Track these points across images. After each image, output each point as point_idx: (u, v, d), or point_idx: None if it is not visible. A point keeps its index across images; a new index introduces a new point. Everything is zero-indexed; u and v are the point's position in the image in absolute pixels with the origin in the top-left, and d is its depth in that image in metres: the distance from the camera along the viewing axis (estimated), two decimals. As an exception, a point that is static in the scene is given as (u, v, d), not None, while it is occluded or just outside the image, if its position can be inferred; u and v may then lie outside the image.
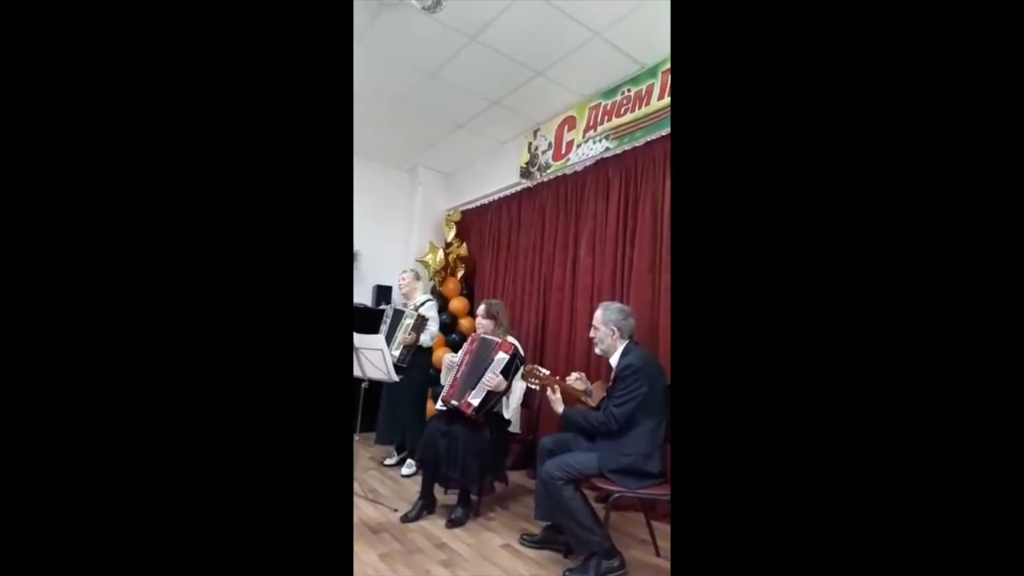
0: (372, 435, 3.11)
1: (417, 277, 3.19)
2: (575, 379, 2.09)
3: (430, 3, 2.05)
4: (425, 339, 2.91)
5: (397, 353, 2.79)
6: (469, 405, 2.18)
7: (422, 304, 2.99)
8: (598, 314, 1.97)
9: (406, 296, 3.12)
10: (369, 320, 3.29)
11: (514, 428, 2.40)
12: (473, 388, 2.20)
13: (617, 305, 2.00)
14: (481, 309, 2.54)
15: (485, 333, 2.44)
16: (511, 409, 2.29)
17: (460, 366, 2.35)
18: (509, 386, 2.22)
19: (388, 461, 3.05)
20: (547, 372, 2.04)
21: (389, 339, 2.84)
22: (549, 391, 1.95)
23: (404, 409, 2.88)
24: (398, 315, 2.93)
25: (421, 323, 2.86)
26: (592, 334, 1.99)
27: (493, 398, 2.21)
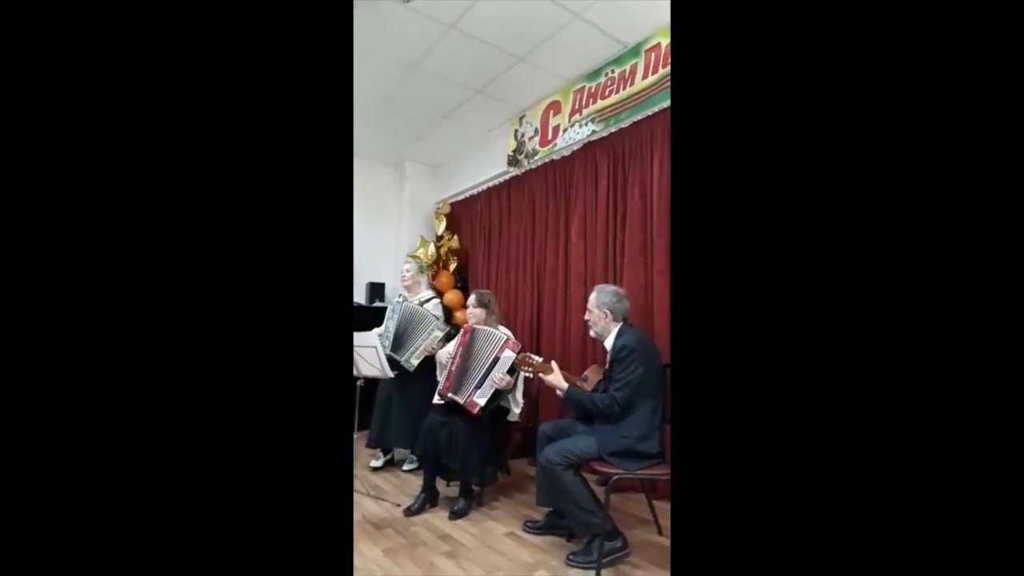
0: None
1: (421, 270, 3.07)
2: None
3: (404, -9, 2.01)
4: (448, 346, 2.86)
5: (416, 362, 2.67)
6: (475, 404, 2.16)
7: (427, 301, 2.93)
8: (592, 297, 1.96)
9: (408, 290, 2.98)
10: (363, 318, 3.27)
11: (513, 416, 2.40)
12: (479, 387, 2.18)
13: (611, 288, 1.99)
14: (472, 299, 2.52)
15: (477, 323, 2.42)
16: (518, 403, 2.29)
17: (454, 359, 2.34)
18: (515, 383, 2.22)
19: (374, 463, 2.89)
20: (540, 359, 2.04)
21: (407, 340, 2.72)
22: (544, 375, 1.95)
23: (416, 409, 2.73)
24: (420, 319, 2.75)
25: (448, 336, 2.74)
26: (586, 317, 1.99)
27: (499, 396, 2.20)
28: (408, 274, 3.00)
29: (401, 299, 2.90)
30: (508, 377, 2.15)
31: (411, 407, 2.75)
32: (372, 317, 3.17)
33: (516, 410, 2.31)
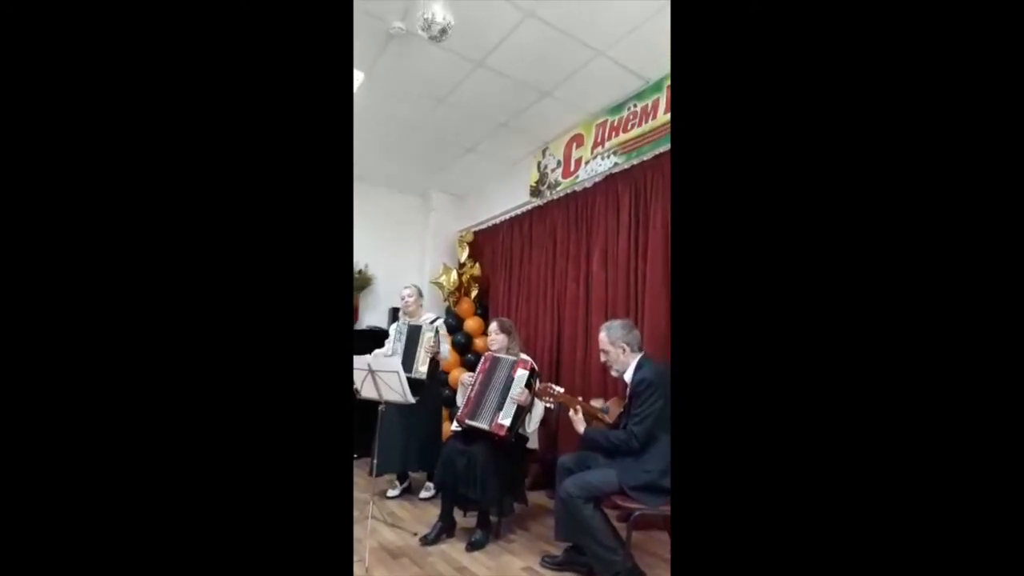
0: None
1: (420, 294, 3.07)
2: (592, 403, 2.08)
3: (436, 32, 2.11)
4: (444, 350, 2.88)
5: (424, 369, 2.73)
6: (501, 427, 2.16)
7: (433, 321, 2.97)
8: (603, 336, 1.97)
9: (411, 315, 2.99)
10: (384, 342, 3.30)
11: (532, 444, 2.38)
12: (501, 408, 2.20)
13: (618, 322, 2.00)
14: (494, 326, 2.56)
15: (498, 349, 2.46)
16: (533, 423, 2.29)
17: (474, 386, 2.36)
18: (532, 400, 2.23)
19: (391, 493, 2.87)
20: (561, 390, 2.03)
21: (409, 356, 2.77)
22: (571, 411, 1.94)
23: (421, 429, 2.78)
24: (414, 331, 2.84)
25: (437, 333, 2.83)
26: (603, 358, 1.99)
27: (522, 414, 2.21)
28: (411, 299, 3.01)
29: (405, 323, 2.94)
30: (526, 391, 2.18)
31: (415, 428, 2.75)
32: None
33: (529, 428, 2.29)
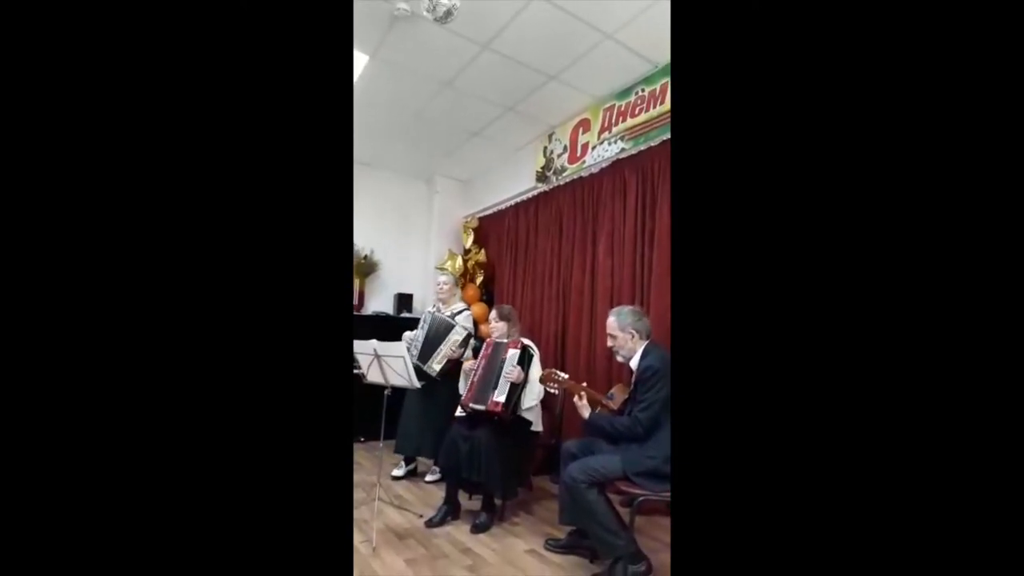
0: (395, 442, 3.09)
1: (456, 283, 3.15)
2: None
3: (441, 14, 2.08)
4: (468, 353, 2.89)
5: (438, 367, 2.74)
6: (496, 404, 2.21)
7: (459, 313, 2.98)
8: (611, 321, 1.97)
9: (444, 302, 3.04)
10: (390, 328, 3.32)
11: (536, 427, 2.40)
12: (496, 387, 2.26)
13: (628, 308, 2.00)
14: (493, 313, 2.62)
15: (499, 336, 2.52)
16: (530, 399, 2.32)
17: (476, 371, 2.41)
18: (527, 377, 2.29)
19: (396, 472, 2.95)
20: (565, 376, 2.04)
21: (432, 349, 2.79)
22: (576, 397, 1.96)
23: (438, 418, 2.80)
24: (445, 327, 2.83)
25: (468, 340, 2.83)
26: (610, 343, 1.99)
27: (516, 391, 2.25)
28: (445, 287, 3.07)
29: (434, 310, 2.96)
30: (517, 368, 2.25)
31: (432, 416, 2.80)
32: (400, 327, 3.22)
33: (525, 404, 2.32)
